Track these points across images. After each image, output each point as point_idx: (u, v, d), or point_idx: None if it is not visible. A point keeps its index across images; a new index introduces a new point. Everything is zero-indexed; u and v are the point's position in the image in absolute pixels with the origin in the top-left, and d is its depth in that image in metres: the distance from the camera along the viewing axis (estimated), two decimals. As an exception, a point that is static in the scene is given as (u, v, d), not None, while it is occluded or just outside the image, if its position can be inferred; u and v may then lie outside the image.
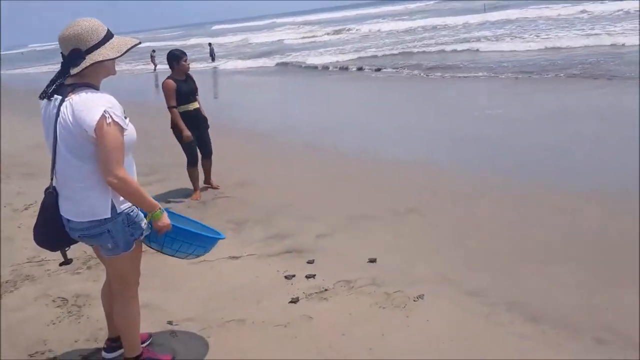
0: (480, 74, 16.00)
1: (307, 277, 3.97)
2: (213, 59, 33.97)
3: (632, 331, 3.00)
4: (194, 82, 6.32)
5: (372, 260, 4.21)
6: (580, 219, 4.85)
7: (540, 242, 4.39)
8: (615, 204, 5.11)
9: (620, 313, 3.22)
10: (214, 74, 27.60)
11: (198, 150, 6.38)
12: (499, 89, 13.50)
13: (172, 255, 2.84)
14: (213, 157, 6.63)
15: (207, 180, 6.78)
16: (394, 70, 19.53)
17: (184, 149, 6.27)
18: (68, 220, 2.48)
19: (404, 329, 3.18)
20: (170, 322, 3.43)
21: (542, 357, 2.81)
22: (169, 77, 6.05)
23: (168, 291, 3.89)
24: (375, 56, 24.72)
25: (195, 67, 21.82)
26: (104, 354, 2.99)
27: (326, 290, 3.75)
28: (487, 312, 3.32)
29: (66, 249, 2.72)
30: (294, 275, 4.01)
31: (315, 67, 24.55)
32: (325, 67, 23.61)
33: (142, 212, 2.56)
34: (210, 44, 36.99)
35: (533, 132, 8.51)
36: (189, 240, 2.76)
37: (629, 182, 5.54)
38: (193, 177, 6.43)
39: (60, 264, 4.06)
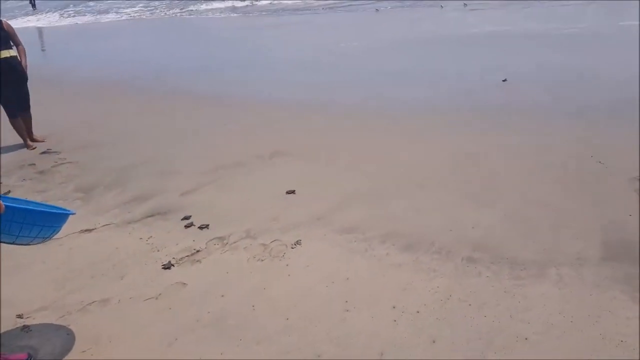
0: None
1: (176, 242, 3.65)
2: (34, 6, 29.40)
3: (498, 245, 3.27)
4: (2, 28, 5.36)
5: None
6: (437, 143, 5.16)
7: (405, 172, 4.57)
8: (469, 124, 5.54)
9: (486, 229, 3.49)
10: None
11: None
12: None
13: (12, 243, 2.32)
14: (39, 113, 6.15)
15: (30, 136, 6.24)
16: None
17: None
18: None
19: (284, 279, 3.09)
20: (20, 316, 2.91)
21: (420, 284, 2.93)
22: None
23: (11, 279, 3.30)
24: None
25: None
26: None
27: (198, 251, 3.49)
28: (364, 247, 3.37)
29: None
30: (161, 243, 3.66)
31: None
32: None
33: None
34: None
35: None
36: (30, 221, 2.27)
37: (472, 102, 6.02)
38: (16, 128, 6.07)
39: None
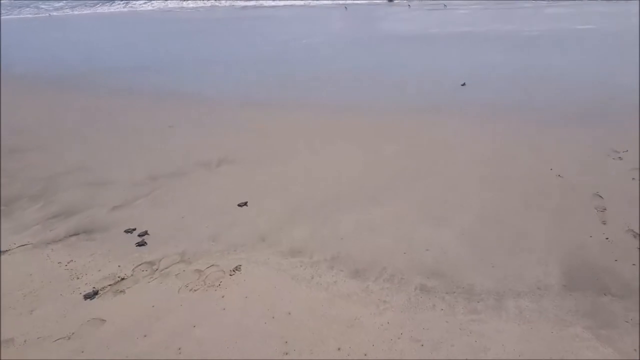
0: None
1: (99, 268, 3.23)
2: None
3: (454, 270, 3.01)
4: None
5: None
6: (394, 151, 4.89)
7: (360, 183, 4.28)
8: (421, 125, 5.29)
9: (441, 251, 3.23)
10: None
11: None
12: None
13: None
14: None
15: None
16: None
17: None
18: None
19: (218, 314, 2.74)
20: None
21: (368, 319, 2.63)
22: None
23: None
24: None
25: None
26: None
27: (123, 279, 3.09)
28: (310, 274, 3.06)
29: None
30: (82, 267, 3.24)
31: None
32: None
33: None
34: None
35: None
36: None
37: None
38: None
39: None
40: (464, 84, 7.41)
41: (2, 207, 4.15)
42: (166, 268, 3.19)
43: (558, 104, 6.24)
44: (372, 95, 7.16)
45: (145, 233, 3.62)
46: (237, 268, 3.14)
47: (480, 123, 5.71)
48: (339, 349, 2.44)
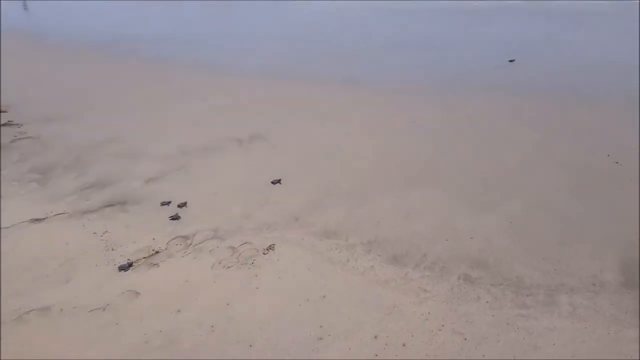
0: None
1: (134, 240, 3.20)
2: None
3: (500, 261, 2.85)
4: None
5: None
6: (434, 131, 4.70)
7: (397, 164, 4.12)
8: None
9: (486, 240, 3.06)
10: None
11: None
12: None
13: None
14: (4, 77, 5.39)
15: None
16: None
17: None
18: None
19: (252, 293, 2.66)
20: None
21: (408, 308, 2.51)
22: None
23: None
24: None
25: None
26: None
27: (157, 252, 3.04)
28: (346, 257, 2.94)
29: None
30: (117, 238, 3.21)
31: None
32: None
33: None
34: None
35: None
36: None
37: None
38: None
39: None
40: (512, 60, 7.05)
41: (38, 176, 4.17)
42: (200, 243, 3.13)
43: (617, 85, 5.87)
44: (413, 73, 6.91)
45: (184, 204, 3.57)
46: (270, 247, 3.05)
47: (530, 103, 5.43)
48: (375, 336, 2.33)
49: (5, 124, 5.37)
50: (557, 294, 2.57)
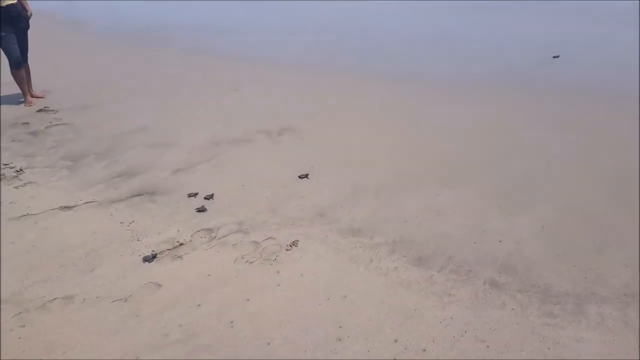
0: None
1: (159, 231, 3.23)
2: None
3: (529, 266, 2.75)
4: None
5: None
6: (468, 130, 4.59)
7: (428, 162, 4.05)
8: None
9: (516, 244, 2.96)
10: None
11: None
12: None
13: None
14: (43, 65, 5.61)
15: (30, 91, 5.88)
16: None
17: (3, 49, 5.40)
18: None
19: (273, 289, 2.65)
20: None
21: (430, 312, 2.45)
22: None
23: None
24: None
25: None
26: None
27: (181, 244, 3.07)
28: (369, 257, 2.90)
29: None
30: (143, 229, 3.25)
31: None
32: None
33: None
34: None
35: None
36: None
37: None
38: (19, 80, 5.61)
39: None
40: (557, 57, 6.79)
41: (70, 163, 4.26)
42: (224, 237, 3.14)
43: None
44: (449, 68, 6.76)
45: (211, 197, 3.60)
46: (294, 243, 3.04)
47: (570, 102, 5.23)
48: (395, 340, 2.29)
49: (41, 110, 5.52)
50: (586, 304, 2.47)
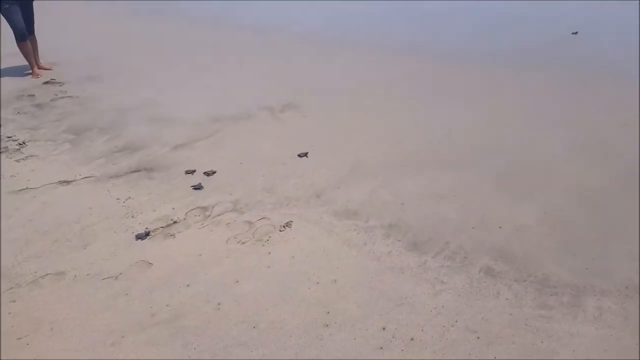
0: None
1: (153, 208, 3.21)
2: None
3: (527, 254, 2.67)
4: None
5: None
6: (473, 110, 4.44)
7: (431, 143, 3.93)
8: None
9: (516, 231, 2.87)
10: None
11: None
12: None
13: None
14: (53, 37, 5.61)
15: (37, 63, 5.82)
16: None
17: (7, 21, 5.35)
18: None
19: (263, 272, 2.61)
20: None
21: (421, 299, 2.39)
22: None
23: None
24: None
25: None
26: None
27: (175, 222, 3.04)
28: (363, 240, 2.84)
29: None
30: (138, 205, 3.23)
31: None
32: None
33: None
34: None
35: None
36: None
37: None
38: (25, 52, 5.56)
39: None
40: (575, 33, 6.51)
41: (72, 136, 4.25)
42: (218, 215, 3.10)
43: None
44: (457, 45, 6.54)
45: (213, 173, 3.55)
46: (287, 224, 2.98)
47: (584, 81, 5.02)
48: (383, 328, 2.24)
49: (47, 82, 5.49)
50: (584, 296, 2.38)
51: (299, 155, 3.80)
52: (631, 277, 2.49)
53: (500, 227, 2.91)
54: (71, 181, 3.54)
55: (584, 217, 2.98)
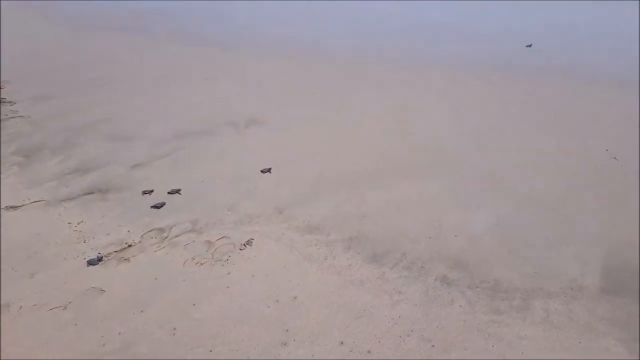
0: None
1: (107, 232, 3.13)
2: None
3: (481, 261, 2.74)
4: None
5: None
6: (432, 121, 4.54)
7: (392, 155, 3.99)
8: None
9: (470, 239, 2.94)
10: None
11: None
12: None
13: None
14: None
15: None
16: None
17: None
18: None
19: (221, 293, 2.59)
20: None
21: (379, 311, 2.42)
22: None
23: None
24: None
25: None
26: None
27: (130, 246, 2.98)
28: (324, 254, 2.85)
29: None
30: (91, 229, 3.15)
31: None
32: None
33: None
34: None
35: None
36: None
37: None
38: None
39: None
40: (529, 45, 6.79)
41: (21, 159, 4.11)
42: (176, 237, 3.06)
43: (626, 72, 5.60)
44: (418, 55, 6.67)
45: (178, 191, 3.50)
46: (248, 242, 2.97)
47: (534, 90, 5.20)
48: (342, 342, 2.25)
49: (-3, 102, 5.32)
50: (532, 299, 2.46)
51: (262, 171, 3.79)
52: (576, 278, 2.59)
53: (455, 236, 2.97)
54: (19, 206, 3.42)
55: (534, 224, 3.08)
